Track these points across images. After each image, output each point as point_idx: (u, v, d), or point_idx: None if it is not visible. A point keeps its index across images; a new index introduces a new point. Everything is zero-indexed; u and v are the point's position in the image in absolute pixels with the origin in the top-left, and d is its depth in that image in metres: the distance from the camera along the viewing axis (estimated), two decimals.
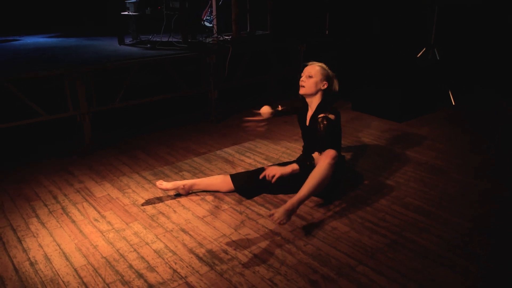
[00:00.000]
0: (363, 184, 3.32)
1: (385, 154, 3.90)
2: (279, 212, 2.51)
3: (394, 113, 4.78)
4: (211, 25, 5.20)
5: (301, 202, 2.64)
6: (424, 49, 5.51)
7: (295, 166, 2.84)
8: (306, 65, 3.11)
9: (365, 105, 5.02)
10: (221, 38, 4.87)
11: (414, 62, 5.27)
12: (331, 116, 2.92)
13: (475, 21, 5.93)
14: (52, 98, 3.99)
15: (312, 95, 3.05)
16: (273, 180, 2.83)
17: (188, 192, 3.14)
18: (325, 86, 3.03)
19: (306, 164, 2.84)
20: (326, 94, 3.07)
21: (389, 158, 3.79)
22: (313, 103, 3.07)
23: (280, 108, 3.30)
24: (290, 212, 2.56)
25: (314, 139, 2.96)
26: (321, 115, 2.92)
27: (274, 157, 3.80)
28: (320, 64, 3.09)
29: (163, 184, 3.05)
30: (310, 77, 3.01)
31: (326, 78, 3.03)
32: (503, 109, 3.61)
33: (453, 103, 5.33)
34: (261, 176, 2.91)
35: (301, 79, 3.06)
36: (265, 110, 3.28)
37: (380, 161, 3.73)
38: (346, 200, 3.06)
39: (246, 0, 5.02)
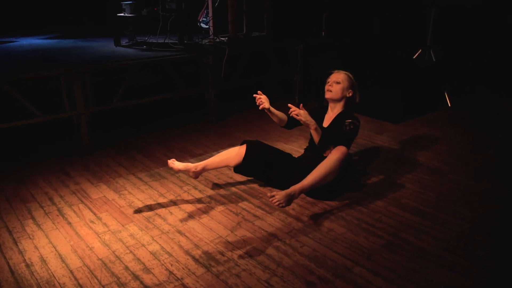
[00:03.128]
0: (359, 185, 3.32)
1: (382, 155, 3.91)
2: (280, 195, 2.59)
3: (392, 114, 4.79)
4: (207, 26, 5.20)
5: (303, 190, 2.73)
6: (420, 50, 5.52)
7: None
8: (331, 72, 3.18)
9: (362, 105, 5.00)
10: (218, 40, 4.87)
11: (413, 63, 5.27)
12: (357, 123, 3.03)
13: (476, 21, 5.95)
14: (52, 99, 3.98)
15: (337, 100, 3.14)
16: (292, 114, 2.88)
17: (198, 175, 3.12)
18: (350, 94, 3.13)
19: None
20: (349, 102, 3.17)
21: (386, 159, 3.80)
22: (336, 108, 3.17)
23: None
24: (290, 197, 2.64)
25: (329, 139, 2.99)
26: (349, 120, 3.01)
27: None
28: (346, 72, 3.17)
29: (175, 163, 3.02)
30: (338, 83, 3.10)
31: (352, 86, 3.14)
32: (506, 109, 3.61)
33: (449, 105, 5.35)
34: (290, 112, 2.92)
35: (328, 84, 3.14)
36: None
37: (377, 162, 3.73)
38: (343, 201, 3.06)
39: (242, 1, 5.02)
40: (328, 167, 2.77)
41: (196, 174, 3.10)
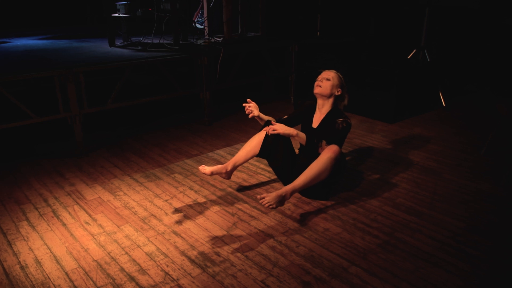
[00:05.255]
0: (355, 185, 3.33)
1: (377, 155, 3.92)
2: (270, 196, 2.60)
3: (386, 114, 4.80)
4: (202, 26, 5.20)
5: (294, 190, 2.73)
6: (415, 50, 5.54)
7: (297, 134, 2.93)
8: (322, 71, 3.18)
9: (356, 105, 5.03)
10: (213, 40, 4.87)
11: (408, 63, 5.29)
12: (349, 121, 3.02)
13: (471, 22, 5.98)
14: (47, 99, 3.97)
15: (326, 97, 3.10)
16: (269, 132, 2.90)
17: (230, 175, 3.11)
18: (339, 93, 3.11)
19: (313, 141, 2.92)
20: (338, 101, 3.15)
21: (380, 159, 3.81)
22: (325, 107, 3.14)
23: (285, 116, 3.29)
24: (282, 198, 2.65)
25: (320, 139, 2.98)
26: (341, 119, 3.00)
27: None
28: (336, 71, 3.17)
29: (205, 168, 3.00)
30: (328, 79, 3.08)
31: (341, 85, 3.12)
32: (499, 110, 3.63)
33: (444, 104, 5.37)
34: (267, 131, 2.94)
35: (317, 80, 3.12)
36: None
37: (371, 162, 3.74)
38: (338, 201, 3.07)
39: (237, 1, 5.02)
40: (319, 167, 2.76)
41: (228, 174, 3.10)
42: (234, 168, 3.10)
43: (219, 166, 3.06)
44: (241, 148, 3.14)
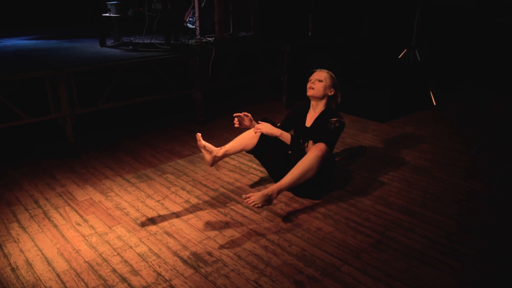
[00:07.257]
0: (347, 184, 3.33)
1: (369, 154, 3.92)
2: (256, 196, 2.60)
3: (378, 113, 4.82)
4: (193, 26, 5.18)
5: (281, 190, 2.74)
6: (405, 50, 5.56)
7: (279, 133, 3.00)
8: (314, 71, 3.18)
9: (349, 105, 5.04)
10: (204, 40, 4.85)
11: (400, 63, 5.31)
12: (342, 121, 3.02)
13: (465, 20, 6.02)
14: (38, 100, 3.93)
15: (319, 98, 3.12)
16: (256, 132, 3.01)
17: (215, 162, 3.06)
18: (332, 93, 3.12)
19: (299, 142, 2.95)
20: (331, 101, 3.17)
21: (372, 158, 3.82)
22: (318, 107, 3.15)
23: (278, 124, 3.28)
24: (268, 198, 2.64)
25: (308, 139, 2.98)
26: (334, 119, 3.00)
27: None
28: (328, 71, 3.17)
29: (202, 140, 2.94)
30: (320, 81, 3.09)
31: (334, 85, 3.14)
32: (493, 108, 3.66)
33: (434, 104, 5.39)
34: (255, 131, 3.03)
35: (310, 82, 3.13)
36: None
37: (363, 161, 3.75)
38: (330, 201, 3.07)
39: (229, 1, 5.01)
40: (305, 165, 2.77)
41: (215, 160, 3.03)
42: (224, 156, 3.08)
43: (212, 146, 3.01)
44: (235, 139, 3.14)
